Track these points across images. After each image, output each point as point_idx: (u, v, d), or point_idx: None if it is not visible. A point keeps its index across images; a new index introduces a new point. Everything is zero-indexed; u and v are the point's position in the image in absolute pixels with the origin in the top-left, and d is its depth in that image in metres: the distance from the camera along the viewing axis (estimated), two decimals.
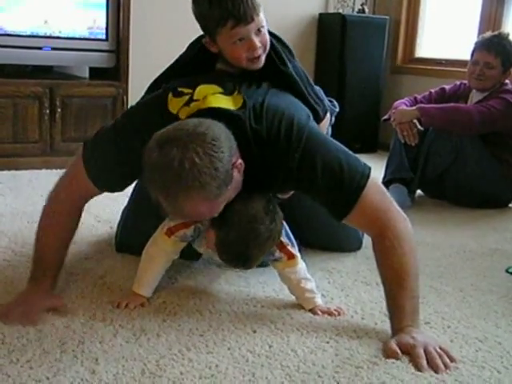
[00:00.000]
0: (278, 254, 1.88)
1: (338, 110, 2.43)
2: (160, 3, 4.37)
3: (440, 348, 1.64)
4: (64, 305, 1.80)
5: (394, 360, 1.60)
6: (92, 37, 3.77)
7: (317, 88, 2.21)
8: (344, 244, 2.44)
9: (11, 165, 3.58)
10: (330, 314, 1.86)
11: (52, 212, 1.87)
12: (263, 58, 1.88)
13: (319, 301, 1.90)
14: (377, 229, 1.78)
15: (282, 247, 1.88)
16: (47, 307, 1.76)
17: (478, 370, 1.60)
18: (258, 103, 1.79)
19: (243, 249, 1.70)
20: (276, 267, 1.94)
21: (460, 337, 1.77)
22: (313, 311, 1.87)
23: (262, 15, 1.84)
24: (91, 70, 4.01)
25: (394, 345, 1.63)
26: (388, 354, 1.63)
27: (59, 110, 3.69)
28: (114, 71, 3.88)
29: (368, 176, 1.78)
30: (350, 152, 1.83)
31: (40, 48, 3.65)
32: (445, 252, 2.55)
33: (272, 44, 1.93)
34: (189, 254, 2.08)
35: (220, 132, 1.60)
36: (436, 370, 1.56)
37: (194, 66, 1.97)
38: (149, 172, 1.59)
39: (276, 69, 1.94)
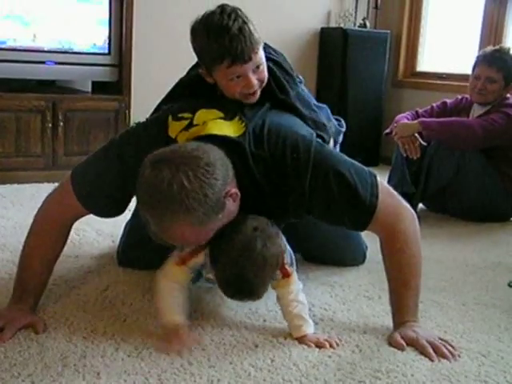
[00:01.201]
0: None
1: (344, 129, 2.43)
2: (162, 17, 4.39)
3: (440, 339, 1.78)
4: (41, 322, 1.76)
5: (396, 374, 1.60)
6: (94, 51, 3.79)
7: (324, 107, 2.20)
8: (348, 258, 2.43)
9: (14, 178, 3.59)
10: (320, 345, 1.73)
11: (39, 231, 1.85)
12: (259, 92, 1.85)
13: (309, 329, 1.78)
14: (388, 232, 1.80)
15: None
16: (23, 325, 1.73)
17: None
18: (257, 126, 1.77)
19: (242, 283, 1.63)
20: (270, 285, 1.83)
21: (463, 351, 1.76)
22: (301, 341, 1.75)
23: (261, 52, 1.80)
24: (94, 84, 4.02)
25: (399, 337, 1.76)
26: (394, 345, 1.75)
27: (62, 123, 3.70)
28: (117, 85, 3.90)
29: (377, 182, 1.79)
30: (354, 161, 1.82)
31: (43, 62, 3.66)
32: (447, 266, 2.54)
33: (273, 73, 1.91)
34: None
35: (216, 159, 1.58)
36: (444, 358, 1.69)
37: (195, 88, 1.95)
38: (139, 189, 1.58)
39: (276, 98, 1.92)
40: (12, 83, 3.70)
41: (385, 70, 4.93)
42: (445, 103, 3.50)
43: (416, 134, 3.20)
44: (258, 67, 1.80)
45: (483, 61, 3.30)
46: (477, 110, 3.35)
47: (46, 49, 3.67)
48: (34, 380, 1.49)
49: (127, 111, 3.87)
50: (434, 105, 3.50)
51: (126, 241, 2.32)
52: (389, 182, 3.37)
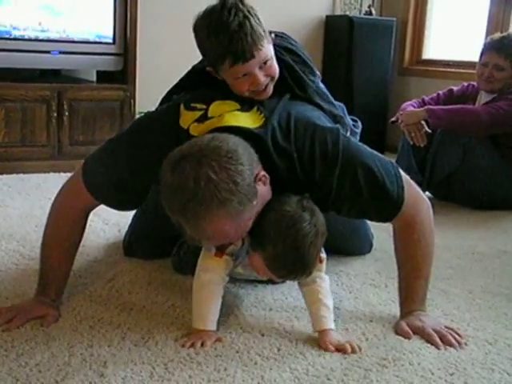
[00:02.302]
0: None
1: (359, 130, 2.40)
2: (167, 5, 4.37)
3: (446, 327, 1.78)
4: (53, 315, 1.75)
5: (402, 362, 1.60)
6: (99, 40, 3.78)
7: (340, 105, 2.17)
8: (355, 248, 2.43)
9: (19, 168, 3.59)
10: (340, 348, 1.64)
11: (55, 224, 1.83)
12: (271, 86, 1.76)
13: (331, 325, 1.71)
14: (407, 223, 1.79)
15: None
16: (33, 316, 1.73)
17: (488, 372, 1.59)
18: (283, 118, 1.69)
19: (297, 255, 1.56)
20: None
21: (469, 339, 1.76)
22: (323, 343, 1.66)
23: (266, 47, 1.69)
24: (99, 73, 4.02)
25: (405, 326, 1.76)
26: (400, 334, 1.75)
27: (67, 113, 3.70)
28: (122, 74, 3.89)
29: (400, 173, 1.77)
30: (375, 152, 1.79)
31: (48, 52, 3.66)
32: (454, 254, 2.54)
33: (290, 68, 1.84)
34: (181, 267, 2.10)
35: (237, 144, 1.52)
36: (450, 345, 1.69)
37: (208, 77, 1.83)
38: (165, 195, 1.51)
39: (294, 92, 1.84)
40: (17, 73, 3.70)
41: (391, 57, 4.90)
42: (451, 91, 3.48)
43: (422, 122, 3.19)
44: (265, 63, 1.70)
45: (491, 48, 3.28)
46: (483, 98, 3.34)
47: (50, 38, 3.67)
48: (41, 369, 1.49)
49: (132, 100, 3.87)
50: (441, 92, 3.48)
51: (133, 230, 2.32)
52: None
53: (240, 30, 1.63)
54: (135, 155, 1.73)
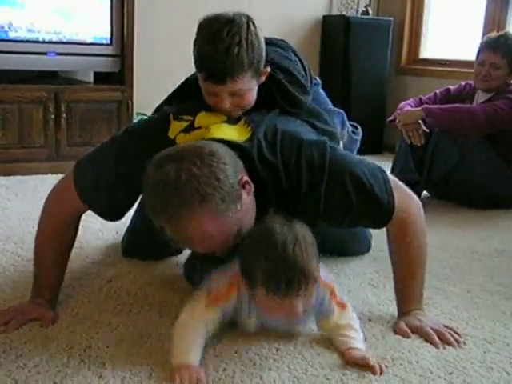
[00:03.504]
0: (328, 304, 1.65)
1: (360, 137, 2.40)
2: (164, 6, 4.37)
3: (445, 326, 1.78)
4: (51, 317, 1.74)
5: (401, 362, 1.60)
6: (96, 41, 3.78)
7: (339, 113, 2.16)
8: (355, 250, 2.43)
9: (17, 170, 3.59)
10: (371, 368, 1.55)
11: (46, 228, 1.82)
12: (239, 112, 1.74)
13: (358, 344, 1.64)
14: (399, 226, 1.78)
15: (333, 296, 1.67)
16: (31, 318, 1.72)
17: (487, 371, 1.59)
18: (269, 131, 1.68)
19: (286, 263, 1.48)
20: (325, 326, 1.69)
21: (468, 338, 1.76)
22: (350, 360, 1.58)
23: (245, 80, 1.66)
24: (96, 74, 4.02)
25: (404, 325, 1.77)
26: (399, 333, 1.76)
27: (64, 115, 3.69)
28: (119, 75, 3.89)
29: (388, 177, 1.76)
30: (362, 158, 1.79)
31: (45, 53, 3.66)
32: (451, 253, 2.54)
33: (283, 86, 1.81)
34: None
35: (220, 147, 1.53)
36: (449, 344, 1.70)
37: (198, 90, 1.81)
38: (147, 194, 1.51)
39: (285, 111, 1.83)
40: (14, 75, 3.69)
41: (388, 57, 4.91)
42: (448, 90, 3.49)
43: (420, 121, 3.19)
44: (236, 93, 1.68)
45: (488, 47, 3.29)
46: (481, 97, 3.34)
47: (47, 40, 3.66)
48: (40, 370, 1.49)
49: (130, 101, 3.87)
50: (438, 92, 3.49)
51: (132, 231, 2.32)
52: (393, 169, 3.37)
53: (224, 53, 1.61)
54: (124, 162, 1.72)
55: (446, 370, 1.58)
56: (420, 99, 3.45)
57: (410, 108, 3.31)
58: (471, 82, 3.43)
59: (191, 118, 1.72)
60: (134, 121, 4.01)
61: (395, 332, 1.77)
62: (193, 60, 1.73)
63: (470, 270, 2.35)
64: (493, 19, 4.38)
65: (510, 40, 3.26)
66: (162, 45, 4.36)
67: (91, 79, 4.04)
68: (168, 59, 4.34)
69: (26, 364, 1.52)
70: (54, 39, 3.68)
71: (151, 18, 4.28)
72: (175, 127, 1.71)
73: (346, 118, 2.32)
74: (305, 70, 2.07)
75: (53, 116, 3.66)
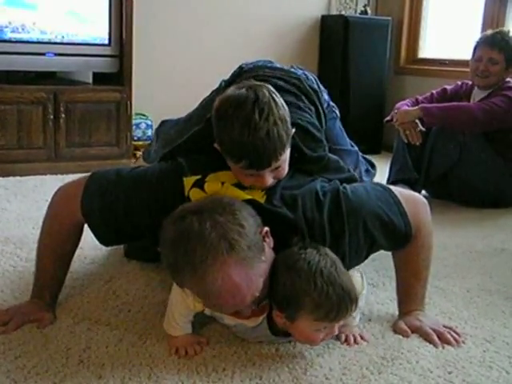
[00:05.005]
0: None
1: (373, 176, 2.39)
2: (163, 7, 4.37)
3: (444, 326, 1.79)
4: (49, 319, 1.74)
5: (401, 361, 1.60)
6: (95, 42, 3.78)
7: (354, 151, 2.14)
8: None
9: (16, 171, 3.59)
10: (347, 341, 1.70)
11: (49, 233, 1.81)
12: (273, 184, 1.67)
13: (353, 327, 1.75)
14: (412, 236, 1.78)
15: None
16: (30, 319, 1.72)
17: (486, 370, 1.59)
18: (286, 194, 1.65)
19: (335, 288, 1.47)
20: None
21: (467, 337, 1.76)
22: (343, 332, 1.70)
23: (284, 154, 1.60)
24: (95, 75, 4.02)
25: (403, 325, 1.78)
26: (399, 332, 1.77)
27: (63, 115, 3.70)
28: (118, 76, 3.89)
29: (398, 197, 1.75)
30: (371, 184, 1.79)
31: (43, 54, 3.66)
32: (451, 252, 2.54)
33: (299, 149, 1.76)
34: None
35: (235, 201, 1.50)
36: (448, 344, 1.71)
37: (205, 145, 1.74)
38: (166, 251, 1.44)
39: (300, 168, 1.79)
40: (12, 75, 3.70)
41: (386, 56, 4.91)
42: (445, 90, 3.49)
43: (417, 120, 3.19)
44: (276, 168, 1.62)
45: (484, 42, 3.29)
46: (477, 95, 3.34)
47: (46, 40, 3.66)
48: (39, 371, 1.49)
49: (128, 102, 3.86)
50: (434, 92, 3.49)
51: None
52: (391, 168, 3.37)
53: (266, 138, 1.53)
54: (133, 209, 1.68)
55: (445, 370, 1.58)
56: (416, 99, 3.45)
57: (407, 107, 3.31)
58: (468, 81, 3.43)
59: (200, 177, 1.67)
60: (134, 120, 4.02)
61: (395, 331, 1.77)
62: (220, 146, 1.63)
63: (470, 269, 2.35)
64: (491, 19, 4.38)
65: (507, 36, 3.27)
66: (160, 45, 4.36)
67: (90, 80, 4.04)
68: (167, 59, 4.34)
69: (25, 365, 1.51)
70: (53, 40, 3.68)
71: (150, 19, 4.28)
72: (187, 183, 1.66)
73: (360, 157, 2.31)
74: (318, 115, 2.02)
75: (52, 116, 3.66)
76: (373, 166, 2.49)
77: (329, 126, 2.19)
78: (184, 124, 2.17)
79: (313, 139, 1.85)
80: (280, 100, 1.62)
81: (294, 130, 1.67)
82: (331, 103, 2.34)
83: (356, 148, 2.37)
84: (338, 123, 2.39)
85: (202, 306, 1.59)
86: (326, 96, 2.26)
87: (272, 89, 1.63)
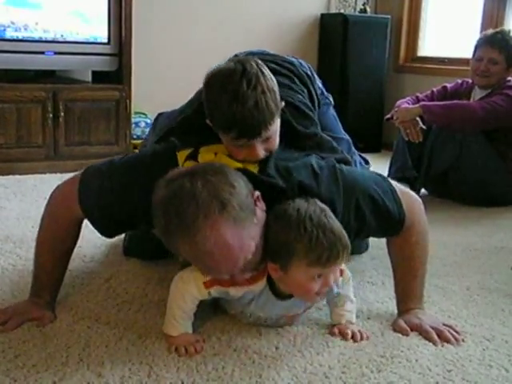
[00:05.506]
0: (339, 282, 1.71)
1: (368, 167, 2.40)
2: (162, 5, 4.37)
3: (444, 324, 1.79)
4: (49, 317, 1.74)
5: (400, 360, 1.60)
6: (94, 40, 3.78)
7: (345, 139, 2.15)
8: (352, 247, 2.41)
9: (15, 169, 3.59)
10: (343, 334, 1.71)
11: (47, 231, 1.81)
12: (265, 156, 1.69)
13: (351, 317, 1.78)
14: (405, 228, 1.79)
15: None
16: (29, 318, 1.72)
17: (486, 368, 1.59)
18: (280, 166, 1.66)
19: (325, 231, 1.50)
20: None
21: (467, 336, 1.76)
22: (331, 330, 1.74)
23: (274, 124, 1.61)
24: (94, 73, 4.02)
25: (403, 323, 1.77)
26: (398, 331, 1.76)
27: (62, 114, 3.69)
28: (117, 74, 3.89)
29: (393, 186, 1.77)
30: (367, 171, 1.81)
31: (42, 53, 3.66)
32: (450, 250, 2.54)
33: (290, 125, 1.77)
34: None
35: (228, 166, 1.51)
36: (447, 342, 1.70)
37: (197, 127, 1.77)
38: (157, 212, 1.45)
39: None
40: (12, 74, 3.70)
41: (386, 55, 4.92)
42: (445, 87, 3.49)
43: (417, 118, 3.19)
44: (267, 138, 1.63)
45: (485, 42, 3.29)
46: (478, 94, 3.34)
47: (45, 39, 3.66)
48: (39, 370, 1.49)
49: (128, 100, 3.86)
50: (435, 89, 3.49)
51: (133, 231, 2.31)
52: (391, 167, 3.37)
53: (254, 108, 1.55)
54: (130, 194, 1.68)
55: (444, 368, 1.58)
56: (417, 97, 3.46)
57: (407, 105, 3.31)
58: (468, 79, 3.43)
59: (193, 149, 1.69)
60: (133, 119, 4.02)
61: (394, 330, 1.77)
62: (211, 119, 1.65)
63: (469, 267, 2.35)
64: (491, 17, 4.38)
65: (507, 36, 3.27)
66: (159, 43, 4.36)
67: (89, 78, 4.03)
68: (166, 58, 4.34)
69: (25, 363, 1.51)
70: (52, 38, 3.68)
71: (149, 17, 4.28)
72: (181, 157, 1.67)
73: (351, 145, 2.31)
74: (311, 97, 2.04)
75: (51, 115, 3.66)
76: (366, 162, 2.50)
77: (322, 111, 2.20)
78: (179, 114, 2.18)
79: (305, 117, 1.87)
80: (268, 72, 1.64)
81: (283, 104, 1.69)
82: (325, 92, 2.36)
83: (348, 137, 2.37)
84: (332, 110, 2.40)
85: (207, 290, 1.61)
86: (319, 84, 2.27)
87: (260, 62, 1.65)
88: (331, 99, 2.41)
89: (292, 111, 1.81)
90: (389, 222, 1.76)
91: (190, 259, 1.50)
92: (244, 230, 1.43)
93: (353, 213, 1.68)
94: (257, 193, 1.53)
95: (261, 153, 1.63)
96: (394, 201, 1.75)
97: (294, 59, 2.19)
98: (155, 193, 1.46)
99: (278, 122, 1.65)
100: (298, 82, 2.02)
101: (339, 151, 1.93)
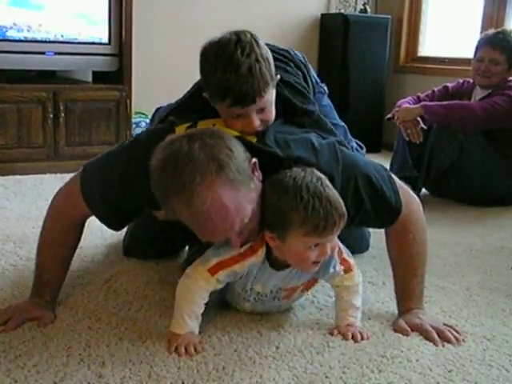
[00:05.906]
0: (338, 267, 1.73)
1: (363, 152, 2.41)
2: (162, 5, 4.37)
3: (444, 324, 1.78)
4: (49, 317, 1.74)
5: (400, 360, 1.60)
6: (94, 41, 3.78)
7: (341, 126, 2.15)
8: (353, 247, 2.41)
9: (16, 170, 3.58)
10: (344, 335, 1.71)
11: (50, 230, 1.81)
12: (261, 128, 1.69)
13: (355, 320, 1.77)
14: (401, 224, 1.79)
15: (340, 255, 1.73)
16: (30, 318, 1.72)
17: (486, 368, 1.59)
18: (279, 137, 1.67)
19: (321, 199, 1.50)
20: (332, 283, 1.80)
21: (467, 336, 1.76)
22: (331, 330, 1.74)
23: (269, 93, 1.63)
24: (94, 73, 4.02)
25: (403, 323, 1.76)
26: (398, 331, 1.75)
27: (63, 114, 3.69)
28: (117, 75, 3.89)
29: (392, 176, 1.79)
30: (368, 159, 1.80)
31: (43, 53, 3.66)
32: (451, 250, 2.54)
33: (288, 101, 1.79)
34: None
35: (225, 133, 1.54)
36: (448, 342, 1.70)
37: (197, 105, 1.78)
38: (155, 174, 1.46)
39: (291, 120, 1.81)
40: (12, 74, 3.69)
41: (386, 55, 4.91)
42: (446, 87, 3.49)
43: (418, 118, 3.20)
44: (263, 109, 1.65)
45: (486, 43, 3.29)
46: (479, 94, 3.35)
47: (45, 39, 3.66)
48: (40, 370, 1.49)
49: (128, 101, 3.86)
50: (436, 89, 3.49)
51: (133, 230, 2.31)
52: (391, 166, 3.37)
53: (248, 74, 1.57)
54: (130, 178, 1.68)
55: (445, 368, 1.58)
56: (418, 97, 3.46)
57: (408, 105, 3.32)
58: (469, 79, 3.43)
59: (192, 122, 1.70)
60: (134, 119, 4.02)
61: (395, 330, 1.77)
62: (206, 89, 1.67)
63: (470, 267, 2.35)
64: (491, 17, 4.38)
65: (509, 36, 3.27)
66: (160, 44, 4.36)
67: (89, 79, 4.04)
68: (166, 58, 4.34)
69: (26, 363, 1.51)
70: (52, 39, 3.68)
71: (149, 17, 4.28)
72: (179, 131, 1.67)
73: (347, 132, 2.31)
74: (306, 81, 2.06)
75: (51, 115, 3.66)
76: (361, 147, 2.50)
77: (316, 98, 2.20)
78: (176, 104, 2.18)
79: (302, 95, 1.88)
80: (263, 43, 1.66)
81: (279, 77, 1.70)
82: (320, 82, 2.37)
83: (344, 124, 2.37)
84: (327, 98, 2.41)
85: (214, 277, 1.61)
86: (314, 74, 2.28)
87: (255, 34, 1.66)
88: (326, 88, 2.43)
89: (289, 89, 1.83)
90: (385, 208, 1.75)
91: (186, 221, 1.49)
92: (240, 193, 1.45)
93: (350, 194, 1.67)
94: (254, 160, 1.54)
95: (257, 123, 1.65)
96: (391, 189, 1.75)
97: (288, 48, 2.20)
98: (153, 157, 1.47)
99: (273, 93, 1.67)
100: (293, 66, 2.03)
101: (337, 135, 1.94)
